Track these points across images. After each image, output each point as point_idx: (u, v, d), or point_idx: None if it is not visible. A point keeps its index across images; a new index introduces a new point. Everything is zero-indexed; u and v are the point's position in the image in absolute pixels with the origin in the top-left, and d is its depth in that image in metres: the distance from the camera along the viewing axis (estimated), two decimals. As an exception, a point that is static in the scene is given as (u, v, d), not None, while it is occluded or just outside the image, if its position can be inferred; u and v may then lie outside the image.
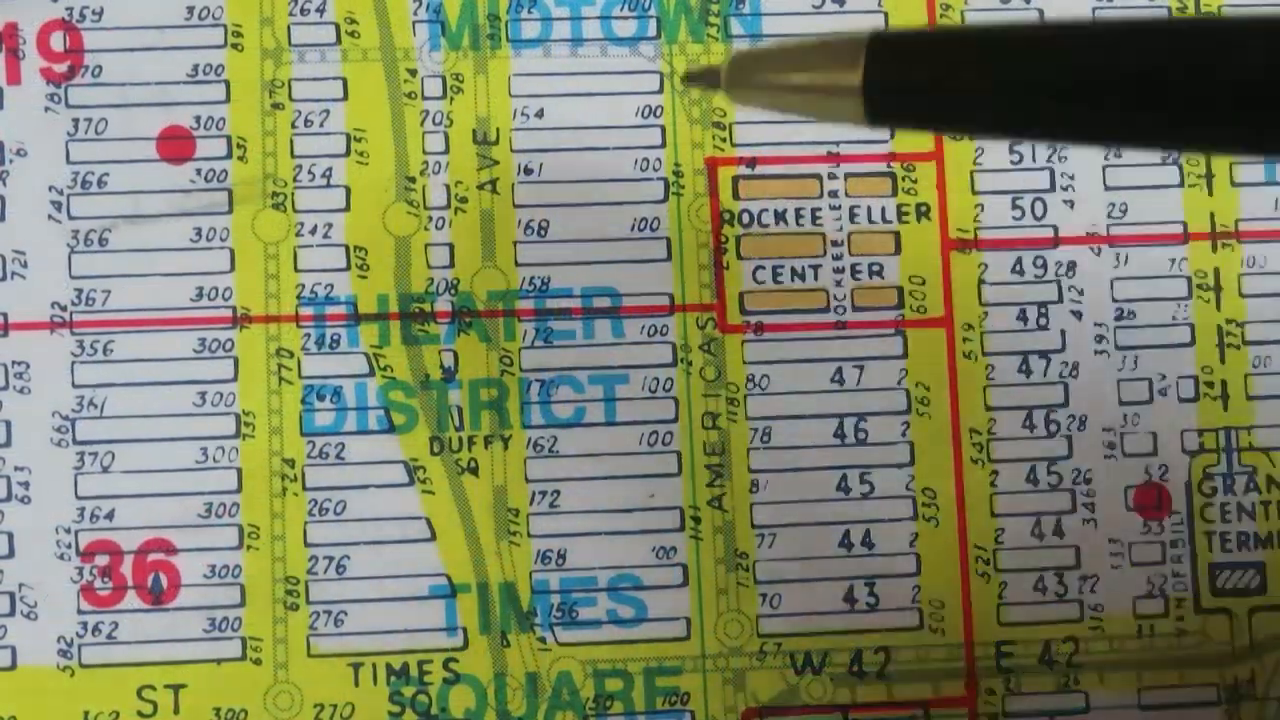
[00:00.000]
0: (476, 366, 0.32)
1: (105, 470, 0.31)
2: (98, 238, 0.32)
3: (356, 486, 0.32)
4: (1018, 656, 0.32)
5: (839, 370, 0.32)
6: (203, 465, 0.31)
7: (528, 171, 0.32)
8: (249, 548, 0.31)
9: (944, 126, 0.29)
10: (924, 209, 0.33)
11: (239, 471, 0.31)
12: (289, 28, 0.32)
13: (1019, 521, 0.32)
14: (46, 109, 0.32)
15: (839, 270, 0.33)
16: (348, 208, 0.32)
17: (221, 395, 0.32)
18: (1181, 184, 0.33)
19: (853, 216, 0.33)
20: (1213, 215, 0.33)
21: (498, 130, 0.32)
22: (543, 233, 0.32)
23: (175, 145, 0.32)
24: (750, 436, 0.32)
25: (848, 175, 0.33)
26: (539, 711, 0.31)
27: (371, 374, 0.32)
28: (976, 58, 0.26)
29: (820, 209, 0.33)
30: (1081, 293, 0.33)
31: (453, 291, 0.32)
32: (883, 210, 0.33)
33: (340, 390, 0.32)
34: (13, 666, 0.31)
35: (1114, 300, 0.33)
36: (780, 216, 0.33)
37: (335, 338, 0.32)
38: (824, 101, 0.26)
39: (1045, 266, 0.33)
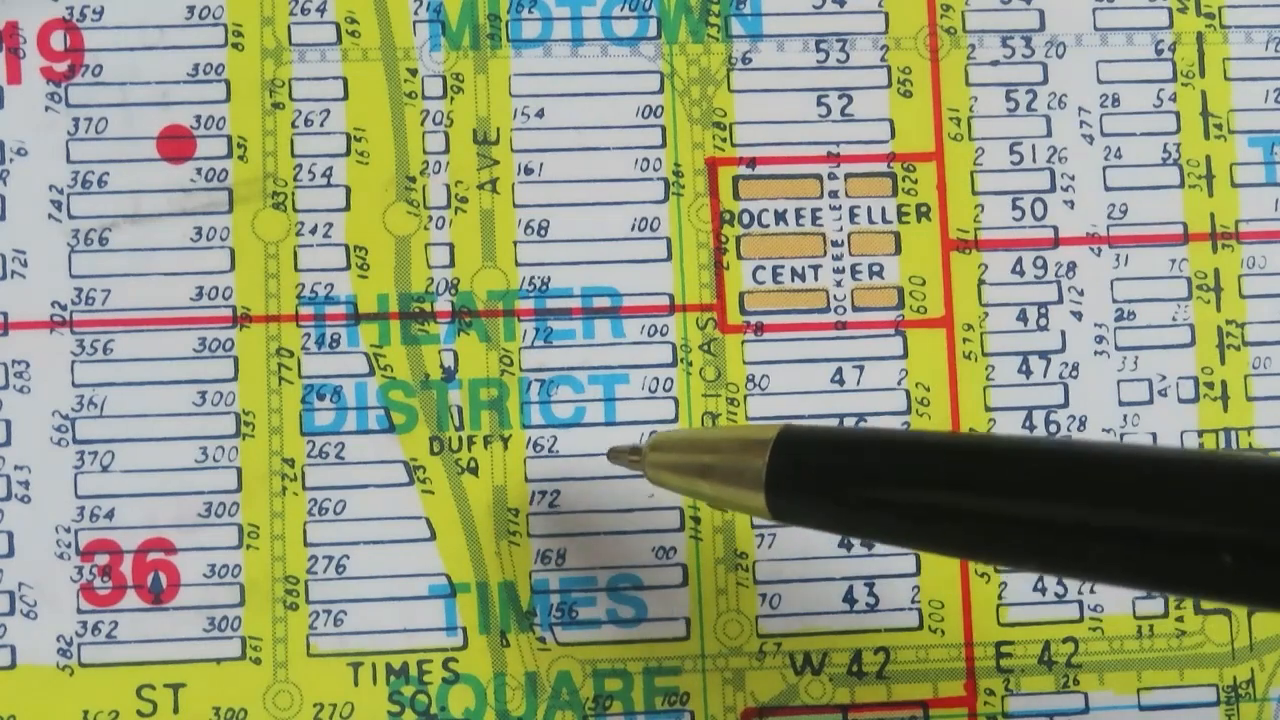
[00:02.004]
0: (476, 366, 0.32)
1: (105, 470, 0.31)
2: (98, 237, 0.32)
3: (356, 486, 0.32)
4: (1017, 657, 0.32)
5: (839, 370, 0.32)
6: (202, 465, 0.31)
7: (528, 171, 0.32)
8: (249, 547, 0.31)
9: (842, 529, 0.29)
10: (924, 209, 0.33)
11: (239, 471, 0.31)
12: (289, 27, 0.32)
13: (1019, 522, 0.32)
14: (47, 108, 0.32)
15: (839, 270, 0.33)
16: (348, 207, 0.32)
17: (221, 395, 0.32)
18: (1182, 185, 0.33)
19: (853, 216, 0.33)
20: (1213, 216, 0.33)
21: (498, 130, 0.32)
22: (543, 233, 0.32)
23: (175, 145, 0.32)
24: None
25: (848, 175, 0.33)
26: (538, 711, 0.31)
27: (371, 374, 0.32)
28: (881, 470, 0.26)
29: (820, 209, 0.33)
30: (1081, 293, 0.33)
31: (453, 291, 0.32)
32: (883, 210, 0.33)
33: (340, 390, 0.32)
34: (12, 666, 0.31)
35: (1114, 301, 0.33)
36: (780, 216, 0.33)
37: (335, 337, 0.32)
38: (729, 489, 0.27)
39: (1045, 267, 0.33)
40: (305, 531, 0.31)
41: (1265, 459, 0.25)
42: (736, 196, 0.33)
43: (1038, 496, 0.25)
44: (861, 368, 0.32)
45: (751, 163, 0.33)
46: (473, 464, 0.32)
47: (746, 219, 0.33)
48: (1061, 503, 0.24)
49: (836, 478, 0.27)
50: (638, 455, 0.29)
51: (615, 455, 0.30)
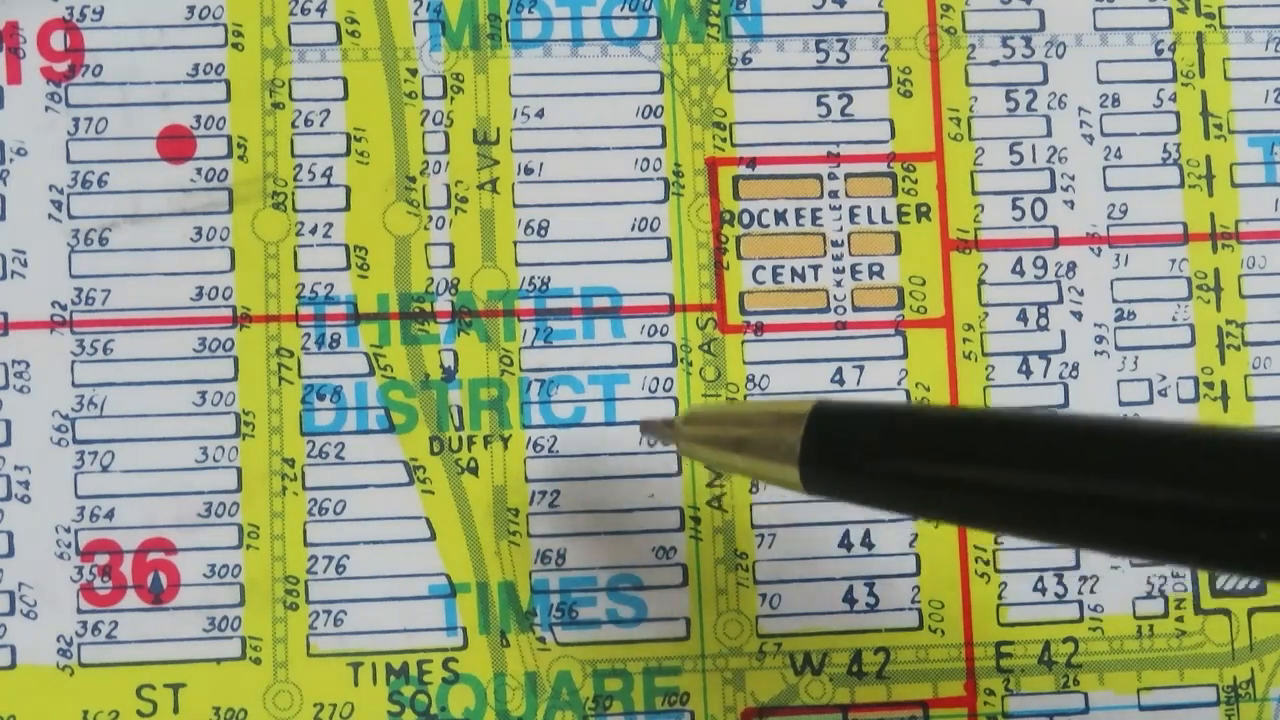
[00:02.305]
0: (476, 366, 0.32)
1: (105, 470, 0.31)
2: (98, 237, 0.32)
3: (356, 486, 0.32)
4: (1017, 657, 0.32)
5: (839, 370, 0.32)
6: (202, 465, 0.31)
7: (528, 171, 0.32)
8: (249, 547, 0.31)
9: (877, 503, 0.29)
10: (924, 209, 0.33)
11: (239, 471, 0.31)
12: (289, 27, 0.32)
13: (1019, 522, 0.32)
14: (47, 108, 0.32)
15: (839, 270, 0.33)
16: (348, 207, 0.32)
17: (221, 395, 0.32)
18: (1182, 185, 0.33)
19: (853, 217, 0.33)
20: (1213, 216, 0.33)
21: (498, 130, 0.32)
22: (543, 233, 0.32)
23: (175, 145, 0.32)
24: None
25: (848, 175, 0.33)
26: (538, 711, 0.31)
27: (371, 374, 0.32)
28: (915, 444, 0.26)
29: (820, 209, 0.33)
30: (1081, 293, 0.33)
31: (453, 291, 0.32)
32: (883, 210, 0.33)
33: (340, 390, 0.32)
34: (12, 666, 0.31)
35: (1114, 301, 0.33)
36: (780, 216, 0.33)
37: (335, 337, 0.32)
38: (763, 462, 0.27)
39: (1045, 267, 0.33)
40: (305, 531, 0.31)
41: None
42: (736, 196, 0.33)
43: (1076, 471, 0.24)
44: (861, 368, 0.32)
45: (751, 163, 0.33)
46: (473, 464, 0.32)
47: (746, 219, 0.33)
48: (1102, 477, 0.24)
49: (870, 452, 0.27)
50: (670, 428, 0.29)
51: (648, 427, 0.30)
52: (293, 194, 0.32)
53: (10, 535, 0.31)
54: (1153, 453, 0.24)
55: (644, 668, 0.32)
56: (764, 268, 0.33)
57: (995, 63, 0.33)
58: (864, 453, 0.27)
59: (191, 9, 0.32)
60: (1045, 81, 0.33)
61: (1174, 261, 0.33)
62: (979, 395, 0.32)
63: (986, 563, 0.32)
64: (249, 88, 0.32)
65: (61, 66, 0.32)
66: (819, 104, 0.33)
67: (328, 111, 0.32)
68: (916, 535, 0.32)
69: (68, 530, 0.31)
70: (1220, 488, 0.23)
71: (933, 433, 0.26)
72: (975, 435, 0.26)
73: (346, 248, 0.32)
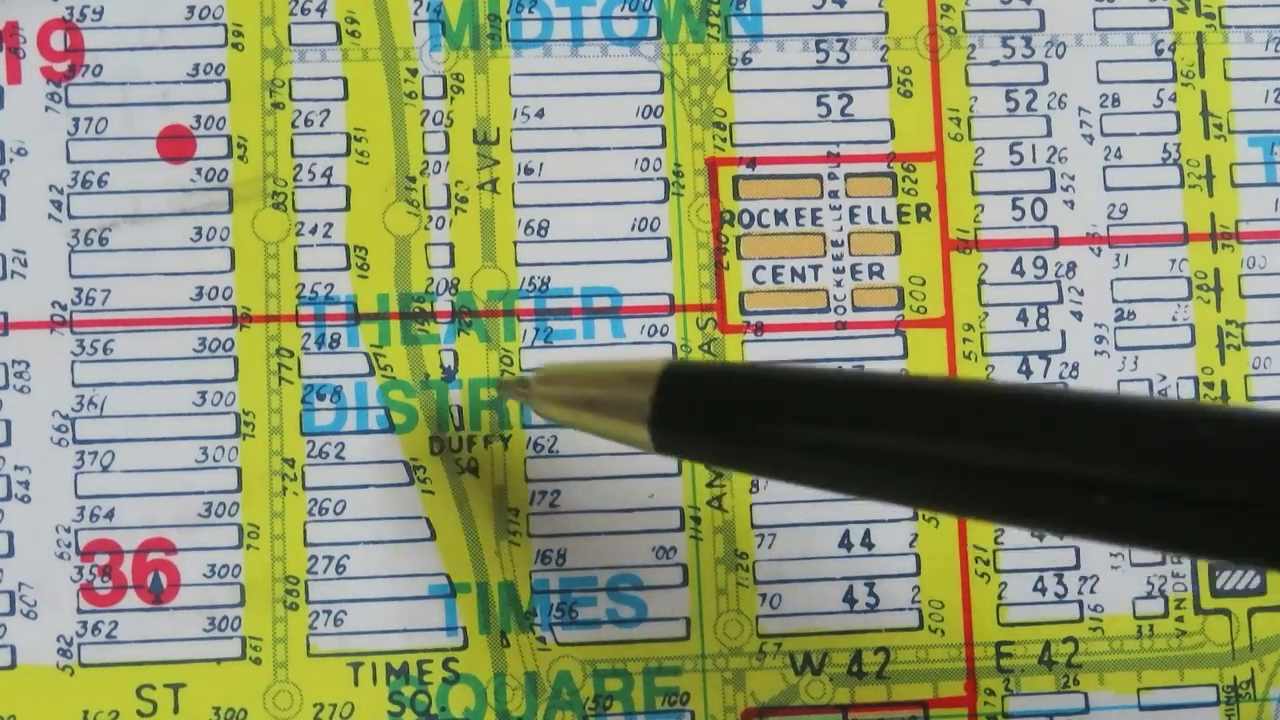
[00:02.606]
0: (476, 366, 0.32)
1: (105, 470, 0.31)
2: (98, 237, 0.32)
3: (356, 486, 0.32)
4: (1017, 657, 0.32)
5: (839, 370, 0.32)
6: (202, 465, 0.31)
7: (528, 171, 0.32)
8: (249, 547, 0.31)
9: (726, 464, 0.30)
10: (924, 209, 0.33)
11: (239, 471, 0.31)
12: (289, 27, 0.32)
13: (1019, 522, 0.32)
14: (47, 108, 0.32)
15: (839, 270, 0.33)
16: (348, 207, 0.32)
17: (221, 395, 0.32)
18: (1182, 184, 0.33)
19: (853, 216, 0.33)
20: (1213, 216, 0.33)
21: (498, 130, 0.32)
22: (543, 233, 0.32)
23: (175, 145, 0.32)
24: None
25: (848, 175, 0.33)
26: (538, 711, 0.31)
27: (371, 374, 0.32)
28: (766, 404, 0.26)
29: (820, 209, 0.33)
30: (1082, 293, 0.33)
31: (453, 291, 0.32)
32: (883, 210, 0.33)
33: (340, 390, 0.32)
34: (12, 666, 0.31)
35: (1114, 301, 0.33)
36: (780, 216, 0.33)
37: (335, 337, 0.32)
38: (613, 422, 0.27)
39: (1045, 267, 0.33)
40: (305, 531, 0.31)
41: (1148, 400, 0.25)
42: (736, 196, 0.33)
43: (919, 434, 0.25)
44: (861, 368, 0.32)
45: (751, 163, 0.33)
46: (473, 464, 0.32)
47: (746, 219, 0.33)
48: (943, 440, 0.24)
49: (720, 412, 0.27)
50: (526, 387, 0.29)
51: (503, 388, 0.30)
52: (293, 194, 0.32)
53: (10, 535, 0.31)
54: (994, 415, 0.24)
55: (644, 668, 0.32)
56: (764, 268, 0.33)
57: (995, 63, 0.33)
58: (713, 414, 0.27)
59: (191, 9, 0.32)
60: (1045, 81, 0.33)
61: (1174, 261, 0.33)
62: (979, 395, 0.32)
63: (987, 563, 0.32)
64: (249, 88, 0.32)
65: (61, 66, 0.32)
66: (819, 104, 0.33)
67: (328, 111, 0.32)
68: (916, 535, 0.32)
69: (68, 530, 0.31)
70: (1057, 450, 0.23)
71: (782, 394, 0.26)
72: (824, 396, 0.26)
73: (346, 248, 0.32)
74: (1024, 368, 0.33)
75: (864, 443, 0.25)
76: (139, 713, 0.31)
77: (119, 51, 0.32)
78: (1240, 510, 0.22)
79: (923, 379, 0.29)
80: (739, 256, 0.33)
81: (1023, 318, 0.33)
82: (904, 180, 0.33)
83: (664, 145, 0.33)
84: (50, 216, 0.32)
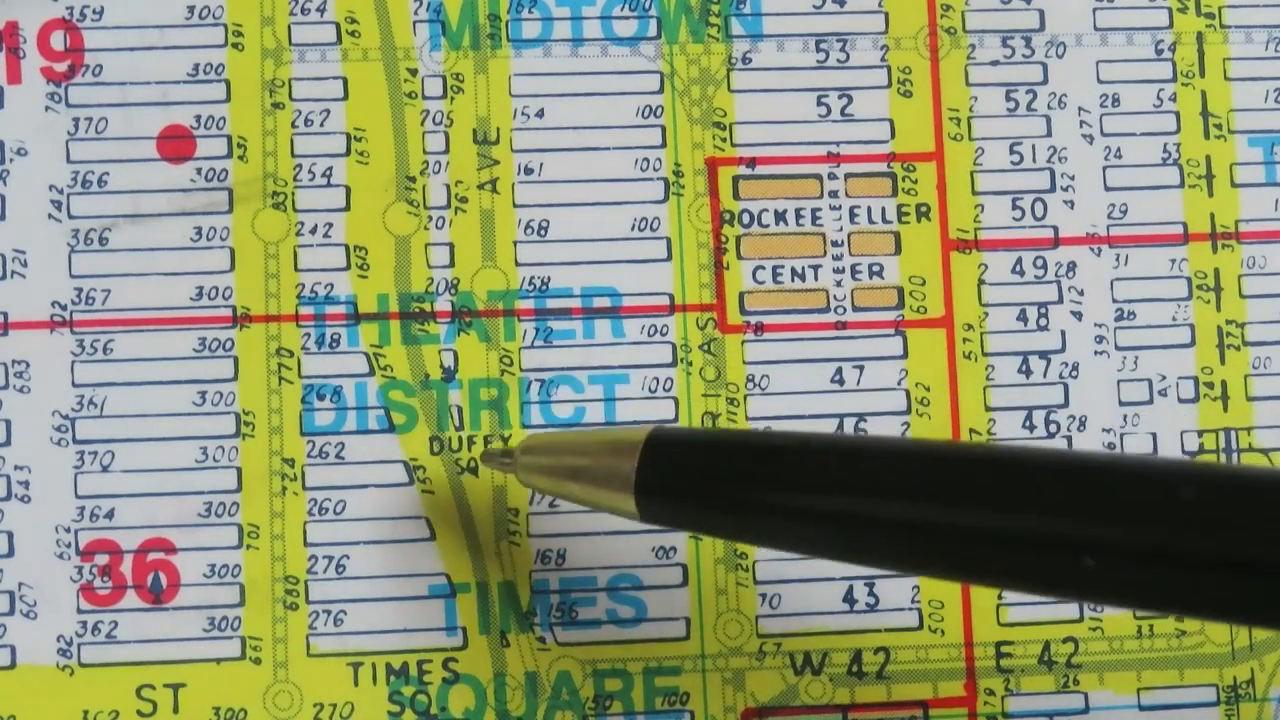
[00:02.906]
0: (476, 366, 0.32)
1: (105, 470, 0.31)
2: (98, 237, 0.32)
3: (356, 486, 0.32)
4: (1017, 657, 0.32)
5: (839, 370, 0.32)
6: (202, 465, 0.31)
7: (528, 171, 0.32)
8: (249, 547, 0.31)
9: (713, 532, 0.30)
10: (924, 209, 0.33)
11: (239, 471, 0.31)
12: (289, 27, 0.32)
13: (1019, 522, 0.32)
14: (47, 108, 0.32)
15: (839, 270, 0.33)
16: (348, 207, 0.32)
17: (221, 395, 0.32)
18: (1181, 184, 0.33)
19: (853, 216, 0.33)
20: (1213, 216, 0.33)
21: (498, 130, 0.32)
22: (543, 233, 0.32)
23: (175, 145, 0.32)
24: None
25: (848, 175, 0.33)
26: (538, 711, 0.31)
27: (371, 373, 0.32)
28: (749, 473, 0.26)
29: (820, 209, 0.33)
30: (1081, 293, 0.33)
31: (453, 291, 0.32)
32: (883, 210, 0.33)
33: (340, 390, 0.32)
34: (12, 665, 0.31)
35: (1114, 301, 0.33)
36: (780, 216, 0.33)
37: (335, 337, 0.32)
38: (599, 491, 0.28)
39: (1045, 267, 0.33)
40: (305, 531, 0.31)
41: (1131, 460, 0.25)
42: (736, 196, 0.33)
43: (905, 499, 0.25)
44: (861, 368, 0.32)
45: (751, 163, 0.33)
46: (473, 464, 0.32)
47: (746, 219, 0.33)
48: (937, 505, 0.24)
49: (704, 481, 0.27)
50: (510, 458, 0.30)
51: (488, 458, 0.30)
52: (293, 194, 0.32)
53: (10, 535, 0.31)
54: (979, 478, 0.24)
55: (644, 668, 0.32)
56: (764, 268, 0.33)
57: (995, 63, 0.33)
58: (698, 483, 0.27)
59: (191, 9, 0.32)
60: (1045, 81, 0.33)
61: (1174, 261, 0.33)
62: (979, 395, 0.32)
63: (986, 563, 0.32)
64: (249, 88, 0.32)
65: (61, 66, 0.32)
66: (819, 104, 0.33)
67: (328, 111, 0.32)
68: (916, 535, 0.32)
69: (68, 530, 0.31)
70: (1043, 514, 0.24)
71: (765, 461, 0.26)
72: (807, 462, 0.26)
73: (346, 248, 0.32)
74: (1024, 367, 0.33)
75: (847, 509, 0.25)
76: (139, 713, 0.31)
77: (119, 51, 0.32)
78: (1224, 570, 0.22)
79: (907, 442, 0.29)
80: (739, 256, 0.33)
81: (1023, 318, 0.33)
82: (904, 180, 0.33)
83: (664, 145, 0.33)
84: (50, 216, 0.32)
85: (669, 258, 0.32)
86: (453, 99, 0.32)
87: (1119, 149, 0.33)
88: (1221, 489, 0.23)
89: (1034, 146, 0.33)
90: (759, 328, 0.32)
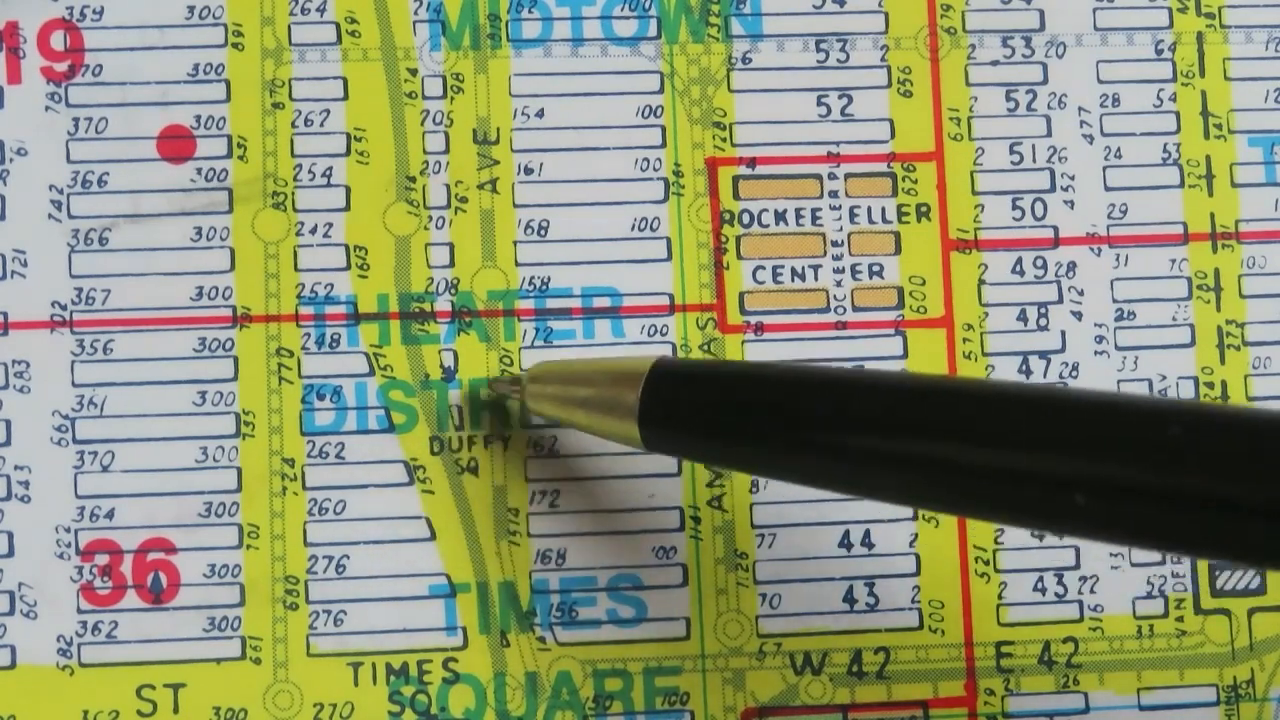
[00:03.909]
0: (476, 366, 0.32)
1: (105, 470, 0.31)
2: (98, 237, 0.32)
3: (356, 486, 0.32)
4: (1017, 657, 0.32)
5: (839, 370, 0.32)
6: (202, 465, 0.31)
7: (528, 171, 0.32)
8: (249, 547, 0.31)
9: (714, 461, 0.30)
10: (924, 209, 0.33)
11: (239, 471, 0.31)
12: (289, 27, 0.32)
13: (1019, 522, 0.32)
14: (47, 108, 0.32)
15: (839, 270, 0.33)
16: (348, 207, 0.32)
17: (221, 395, 0.32)
18: (1181, 185, 0.33)
19: (853, 217, 0.33)
20: (1213, 216, 0.33)
21: (498, 130, 0.32)
22: (543, 233, 0.32)
23: (175, 145, 0.32)
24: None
25: (848, 175, 0.33)
26: (538, 711, 0.31)
27: (371, 374, 0.32)
28: (749, 402, 0.27)
29: (820, 209, 0.33)
30: (1081, 293, 0.33)
31: (453, 291, 0.32)
32: (883, 210, 0.33)
33: (340, 390, 0.32)
34: (12, 665, 0.31)
35: (1114, 301, 0.33)
36: (780, 217, 0.33)
37: (335, 337, 0.32)
38: (604, 419, 0.28)
39: (1045, 267, 0.33)
40: (305, 531, 0.31)
41: (1123, 398, 0.25)
42: (736, 196, 0.33)
43: (903, 432, 0.25)
44: (861, 368, 0.32)
45: (751, 163, 0.33)
46: (473, 464, 0.32)
47: (746, 219, 0.33)
48: (929, 439, 0.25)
49: (706, 411, 0.27)
50: (519, 385, 0.30)
51: (497, 384, 0.31)
52: (293, 194, 0.32)
53: (10, 535, 0.31)
54: (975, 414, 0.24)
55: (644, 668, 0.32)
56: (764, 268, 0.33)
57: (995, 63, 0.33)
58: (698, 411, 0.27)
59: (191, 9, 0.32)
60: (1045, 81, 0.33)
61: (1174, 261, 0.33)
62: (979, 395, 0.32)
63: (987, 563, 0.32)
64: (249, 88, 0.32)
65: (61, 66, 0.32)
66: (819, 104, 0.33)
67: (328, 111, 0.32)
68: (917, 535, 0.32)
69: (68, 530, 0.31)
70: (1036, 449, 0.24)
71: (766, 391, 0.27)
72: (806, 394, 0.26)
73: (346, 248, 0.32)
74: (1024, 368, 0.33)
75: (844, 440, 0.26)
76: (139, 713, 0.31)
77: (119, 51, 0.32)
78: (1211, 506, 0.22)
79: (903, 376, 0.30)
80: (739, 256, 0.33)
81: (1023, 318, 0.33)
82: (904, 180, 0.33)
83: (664, 145, 0.33)
84: (50, 216, 0.32)
85: (669, 258, 0.32)
86: (453, 99, 0.32)
87: (1119, 149, 0.33)
88: (1209, 427, 0.23)
89: (1034, 146, 0.33)
90: (759, 328, 0.32)
